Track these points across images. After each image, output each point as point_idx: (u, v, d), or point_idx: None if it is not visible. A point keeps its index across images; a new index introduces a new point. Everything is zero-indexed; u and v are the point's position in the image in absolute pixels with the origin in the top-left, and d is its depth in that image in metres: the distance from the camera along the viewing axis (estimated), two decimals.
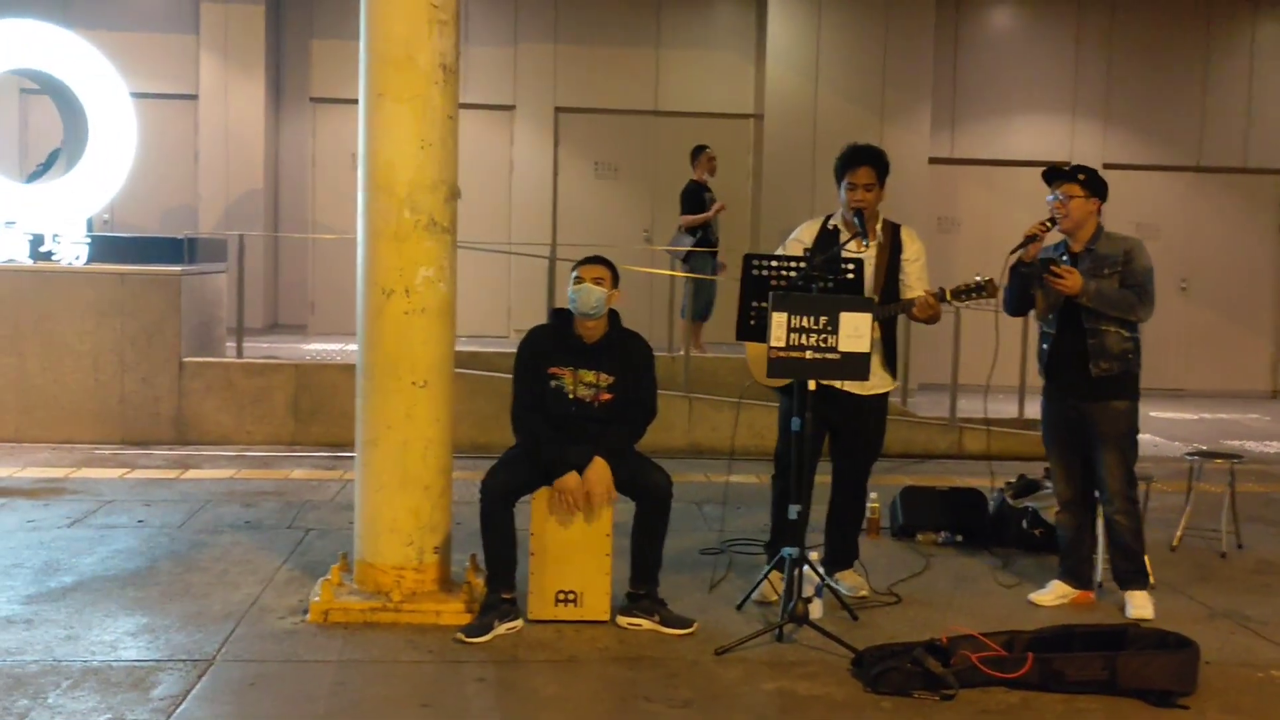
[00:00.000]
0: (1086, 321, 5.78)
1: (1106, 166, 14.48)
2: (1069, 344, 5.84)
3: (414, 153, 5.47)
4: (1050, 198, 5.87)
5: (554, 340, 5.51)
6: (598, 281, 5.41)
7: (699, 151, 11.71)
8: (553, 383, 5.44)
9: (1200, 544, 7.29)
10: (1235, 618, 5.91)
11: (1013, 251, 5.83)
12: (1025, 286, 5.92)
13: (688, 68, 14.19)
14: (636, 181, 14.38)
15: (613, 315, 5.56)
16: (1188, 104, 15.00)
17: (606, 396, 5.46)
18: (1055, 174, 5.89)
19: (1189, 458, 7.69)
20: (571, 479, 5.35)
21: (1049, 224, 5.82)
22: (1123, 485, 5.86)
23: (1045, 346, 5.96)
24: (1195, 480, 7.50)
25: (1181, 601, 6.12)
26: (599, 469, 5.36)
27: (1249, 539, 7.43)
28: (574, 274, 5.46)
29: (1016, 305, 6.03)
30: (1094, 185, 5.84)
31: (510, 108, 14.23)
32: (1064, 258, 5.86)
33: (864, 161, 5.83)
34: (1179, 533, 7.30)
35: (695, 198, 11.44)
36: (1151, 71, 14.91)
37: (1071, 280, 5.70)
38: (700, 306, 11.47)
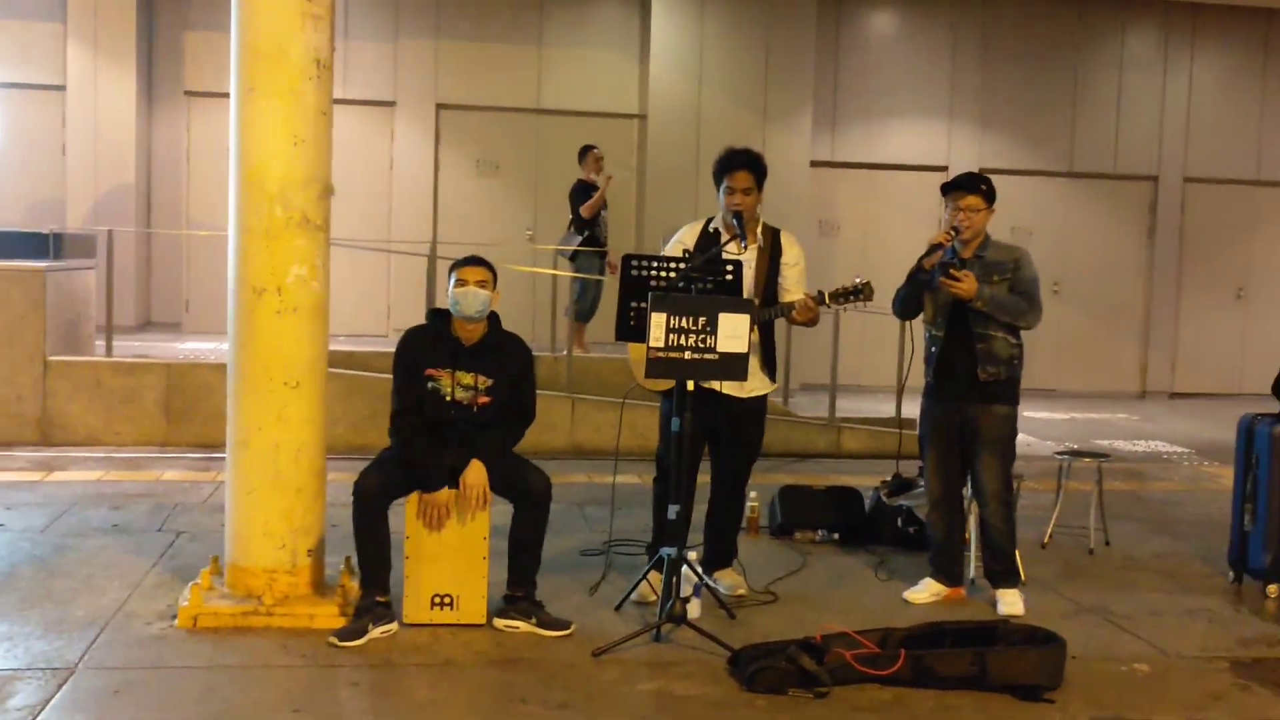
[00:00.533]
0: (975, 327, 5.88)
1: (982, 171, 14.78)
2: (957, 348, 5.93)
3: (286, 149, 5.36)
4: (949, 208, 5.95)
5: (432, 341, 5.44)
6: (481, 284, 5.35)
7: (586, 151, 11.69)
8: (430, 384, 5.37)
9: (1069, 541, 7.46)
10: (1101, 613, 6.05)
11: (923, 260, 5.89)
12: (920, 291, 6.00)
13: (571, 66, 14.16)
14: (519, 180, 14.31)
15: (493, 317, 5.51)
16: (1060, 111, 15.38)
17: (485, 399, 5.40)
18: (959, 185, 5.97)
19: (1059, 457, 7.87)
20: (441, 494, 5.29)
21: (954, 232, 5.90)
22: (1000, 488, 5.97)
23: (934, 349, 6.04)
24: (1065, 479, 7.67)
25: (1050, 597, 6.25)
26: (475, 472, 5.31)
27: (1116, 536, 7.62)
28: (454, 275, 5.39)
29: (906, 309, 6.11)
30: (991, 195, 5.95)
31: (390, 104, 14.06)
32: (955, 263, 5.95)
33: (741, 166, 5.86)
34: (1049, 530, 7.46)
35: (584, 197, 11.42)
36: (1025, 79, 15.26)
37: (968, 284, 5.79)
38: (585, 307, 11.45)
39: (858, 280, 5.85)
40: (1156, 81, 15.54)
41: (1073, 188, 15.57)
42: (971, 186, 5.91)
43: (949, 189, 5.97)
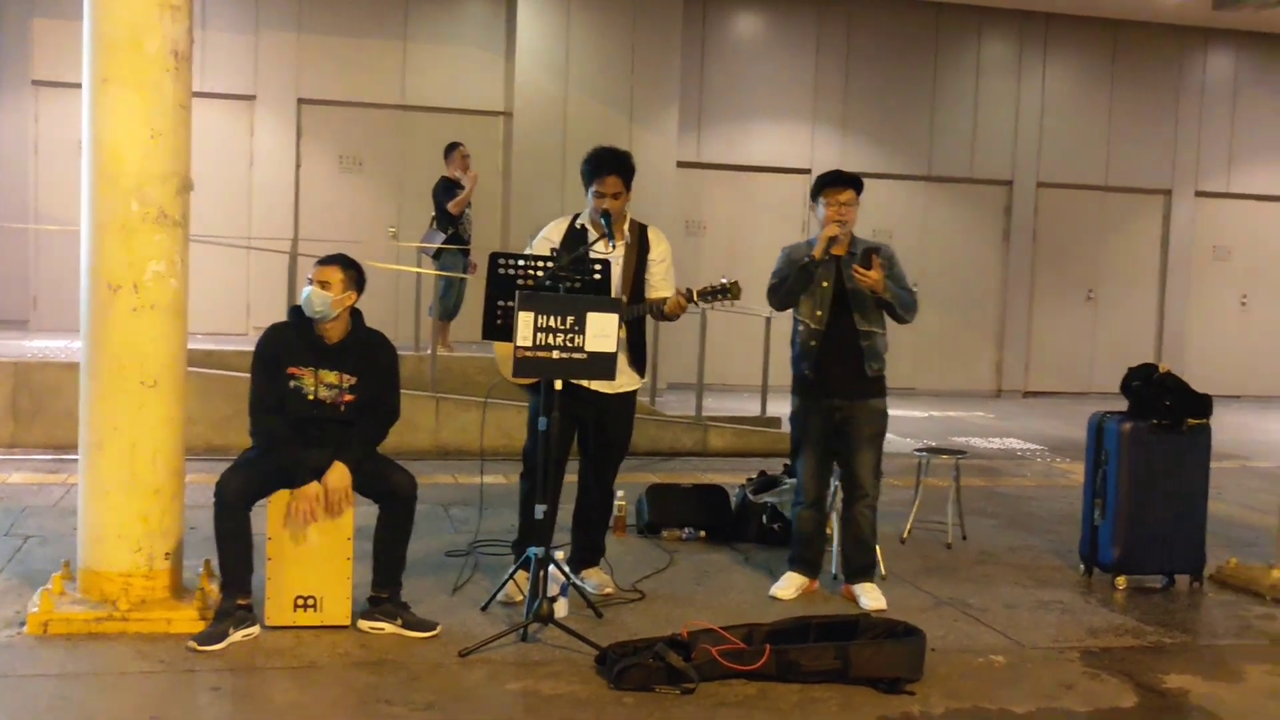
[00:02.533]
0: (860, 323, 5.97)
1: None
2: (839, 344, 6.00)
3: (143, 142, 5.22)
4: (823, 204, 6.00)
5: (293, 339, 5.34)
6: (324, 285, 5.26)
7: (453, 148, 11.58)
8: (292, 383, 5.28)
9: (928, 536, 7.63)
10: (959, 606, 6.20)
11: (821, 255, 5.93)
12: (809, 284, 6.02)
13: (436, 62, 14.01)
14: (383, 177, 14.12)
15: (355, 315, 5.43)
16: (919, 115, 15.71)
17: (348, 398, 5.33)
18: (838, 180, 6.03)
19: (918, 454, 8.04)
20: (311, 488, 5.21)
21: (840, 224, 5.97)
22: (874, 480, 6.09)
23: (813, 344, 6.05)
24: (923, 475, 7.83)
25: (910, 591, 6.39)
26: (339, 472, 5.23)
27: (972, 531, 7.82)
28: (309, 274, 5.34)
29: (787, 301, 6.10)
30: (860, 190, 6.06)
31: (251, 98, 13.76)
32: (828, 259, 6.02)
33: (611, 170, 5.85)
34: (908, 526, 7.62)
35: (448, 194, 11.31)
36: (886, 83, 15.55)
37: (879, 274, 5.87)
38: (449, 305, 11.35)
39: (725, 280, 5.91)
40: (1011, 88, 15.97)
41: (931, 191, 15.92)
42: (850, 181, 6.02)
43: (826, 185, 6.04)
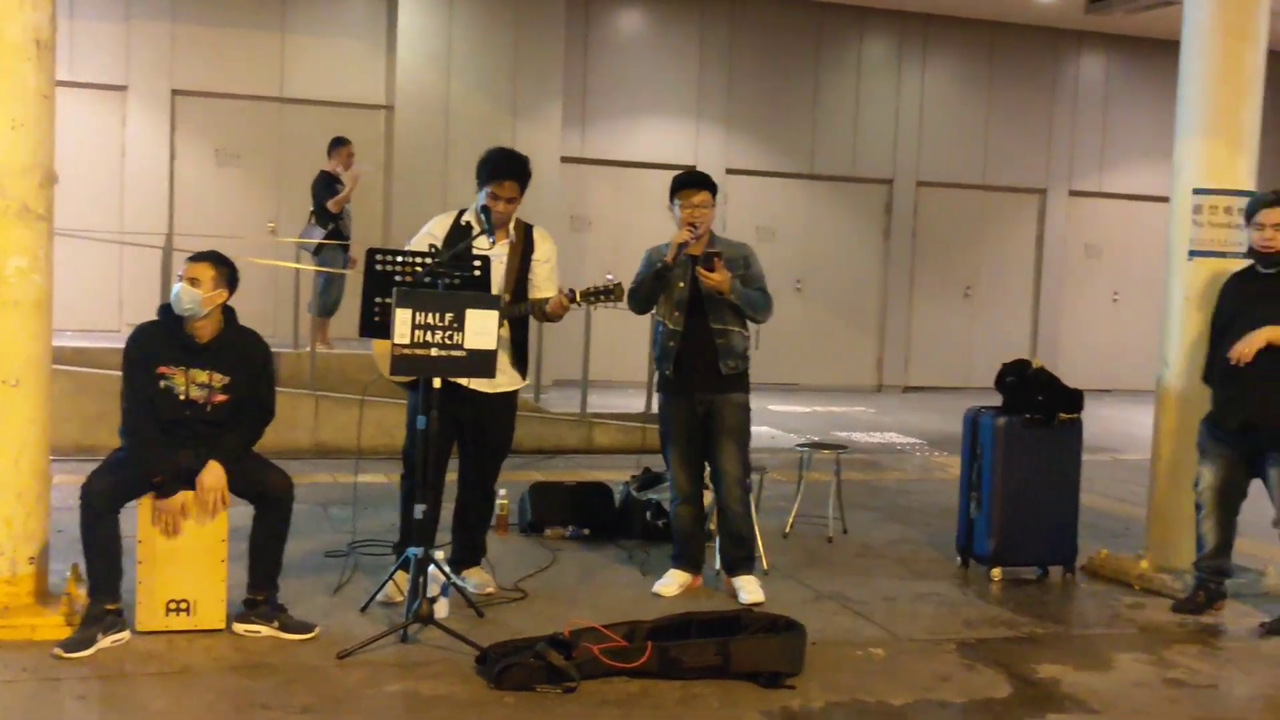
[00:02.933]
0: (714, 322, 5.99)
1: (729, 171, 15.16)
2: (696, 343, 6.03)
3: (3, 133, 5.05)
4: (678, 205, 6.03)
5: (164, 338, 5.21)
6: (194, 282, 5.14)
7: (340, 144, 11.40)
8: (163, 383, 5.14)
9: (809, 530, 7.71)
10: (839, 599, 6.27)
11: (673, 258, 5.96)
12: (663, 287, 6.07)
13: (316, 55, 13.78)
14: (261, 171, 13.84)
15: (228, 312, 5.32)
16: (801, 114, 15.86)
17: (221, 398, 5.21)
18: (693, 182, 6.06)
19: (799, 449, 8.11)
20: (175, 499, 5.09)
21: (692, 229, 5.99)
22: (740, 474, 6.11)
23: (672, 344, 6.11)
24: (805, 470, 7.91)
25: (791, 585, 6.44)
26: (212, 473, 5.12)
27: (853, 524, 7.91)
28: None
29: (645, 305, 6.18)
30: (716, 191, 6.10)
31: (122, 88, 13.39)
32: (685, 261, 6.06)
33: (511, 175, 5.82)
34: (790, 520, 7.68)
35: (328, 190, 11.13)
36: (769, 82, 15.68)
37: (723, 276, 5.90)
38: (329, 302, 11.17)
39: (610, 278, 5.91)
40: (891, 88, 16.21)
41: (814, 189, 16.09)
42: (705, 183, 6.05)
43: (680, 187, 6.07)
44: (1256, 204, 6.08)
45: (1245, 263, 6.30)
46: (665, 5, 15.24)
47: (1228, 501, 6.23)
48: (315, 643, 5.19)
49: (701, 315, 6.01)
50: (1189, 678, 5.33)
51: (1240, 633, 6.02)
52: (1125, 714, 4.89)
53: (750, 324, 6.12)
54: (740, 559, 6.19)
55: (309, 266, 10.95)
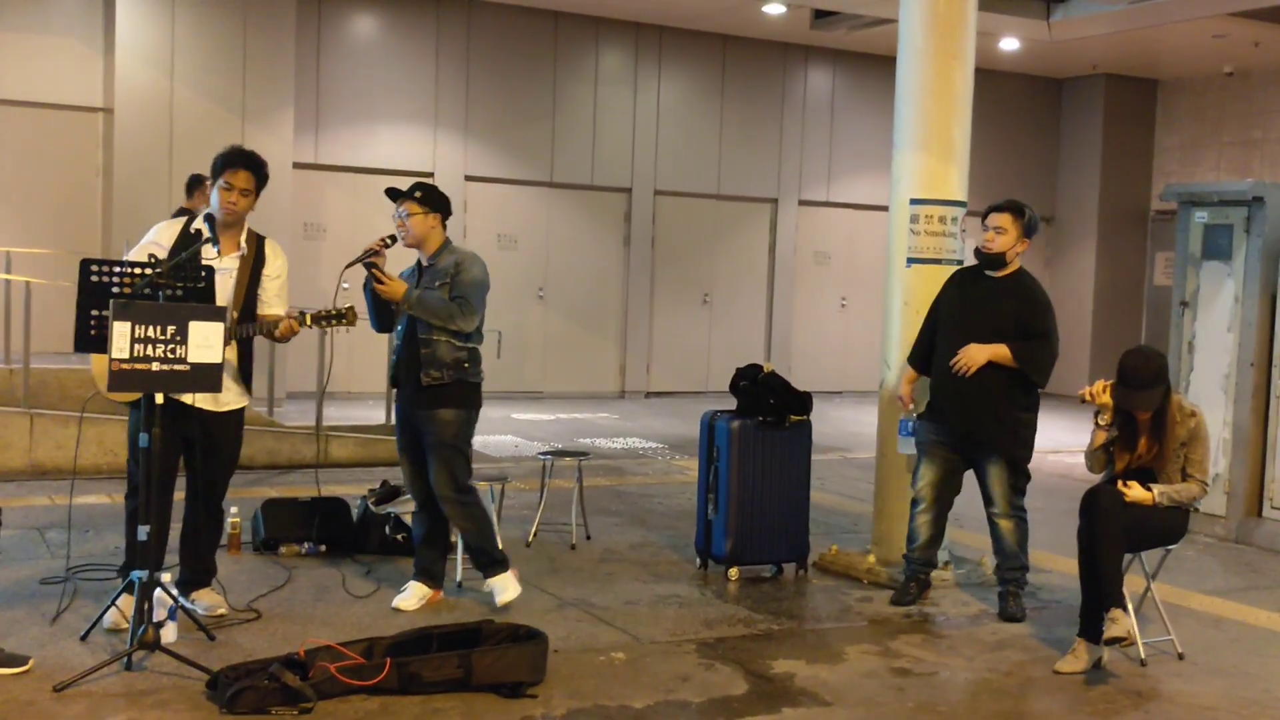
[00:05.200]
0: (420, 332, 5.94)
1: (468, 179, 15.08)
2: (408, 353, 5.99)
3: None
4: (395, 214, 6.02)
5: None
6: None
7: (199, 182, 10.94)
8: None
9: (553, 538, 7.72)
10: (582, 606, 6.30)
11: (348, 265, 5.92)
12: (376, 300, 6.01)
13: (25, 53, 12.94)
14: None
15: None
16: (541, 122, 15.88)
17: None
18: (396, 192, 6.07)
19: (542, 457, 8.12)
20: None
21: (389, 240, 5.98)
22: (449, 490, 6.01)
23: (395, 357, 6.11)
24: (548, 478, 7.92)
25: (534, 594, 6.43)
26: None
27: (596, 530, 7.97)
28: None
29: (378, 320, 6.13)
30: (432, 201, 6.05)
31: None
32: (413, 272, 6.04)
33: (244, 165, 5.67)
34: (534, 529, 7.68)
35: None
36: (508, 89, 15.64)
37: (391, 286, 5.85)
38: None
39: (340, 306, 5.80)
40: (628, 98, 16.41)
41: (554, 197, 16.14)
42: (408, 192, 6.05)
43: (392, 195, 6.09)
44: (988, 209, 6.48)
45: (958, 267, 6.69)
46: (400, 9, 15.03)
47: (944, 497, 6.57)
48: (29, 676, 4.89)
49: (413, 324, 5.98)
50: (914, 666, 5.58)
51: (961, 621, 6.34)
52: (855, 704, 5.08)
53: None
54: (483, 564, 6.15)
55: (20, 277, 10.29)
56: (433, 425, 5.96)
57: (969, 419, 6.33)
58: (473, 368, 6.04)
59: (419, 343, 5.93)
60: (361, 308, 5.96)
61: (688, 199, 16.90)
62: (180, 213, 10.92)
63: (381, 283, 5.86)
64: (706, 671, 5.38)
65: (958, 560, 7.23)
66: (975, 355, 6.23)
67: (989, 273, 6.44)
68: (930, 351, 6.58)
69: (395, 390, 6.18)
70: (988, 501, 6.41)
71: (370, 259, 5.91)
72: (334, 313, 5.74)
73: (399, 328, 6.03)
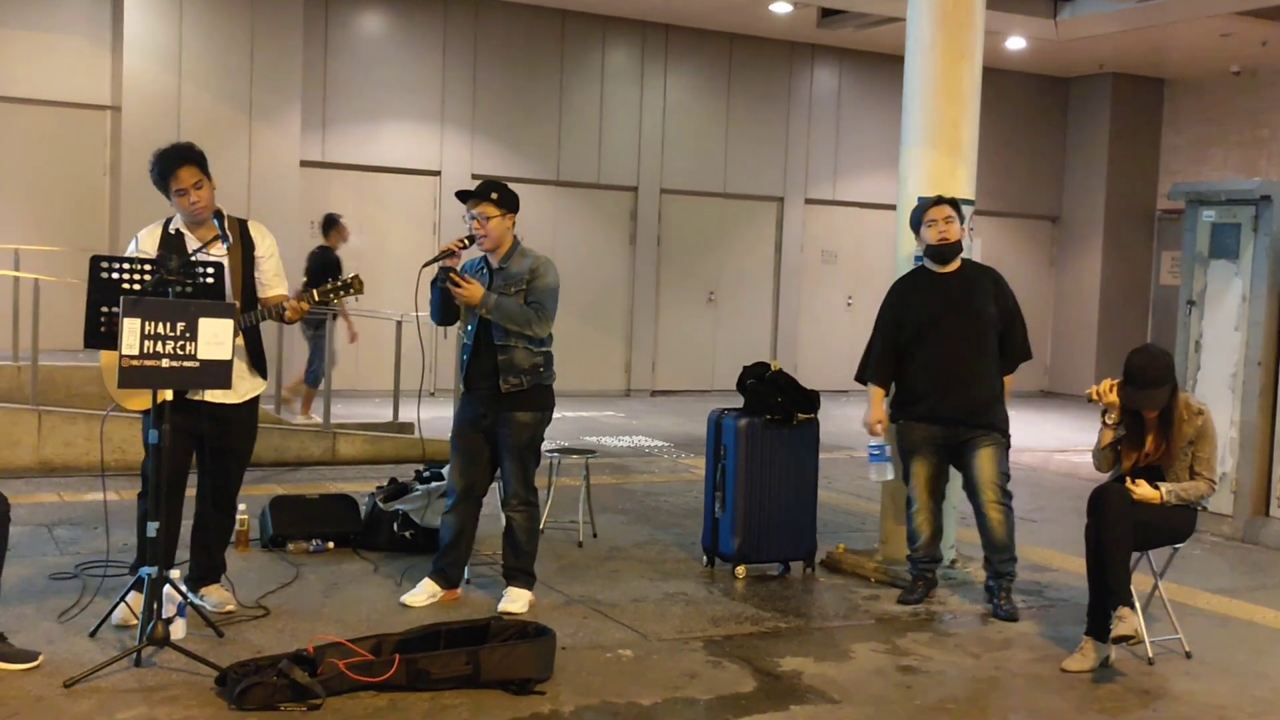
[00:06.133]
0: (496, 338, 5.94)
1: (474, 177, 15.05)
2: (483, 357, 5.99)
3: None
4: (467, 216, 5.97)
5: None
6: None
7: (334, 222, 11.60)
8: None
9: (561, 535, 7.73)
10: (589, 603, 6.30)
11: (425, 264, 5.88)
12: (445, 298, 5.99)
13: (32, 51, 12.97)
14: None
15: None
16: (547, 120, 15.89)
17: None
18: (469, 194, 5.99)
19: (549, 455, 8.11)
20: None
21: (466, 241, 5.95)
22: (522, 490, 6.08)
23: (465, 358, 6.09)
24: (555, 476, 7.93)
25: (543, 591, 6.42)
26: None
27: (603, 528, 7.98)
28: None
29: (441, 315, 6.11)
30: (508, 202, 6.00)
31: None
32: (484, 272, 6.00)
33: (180, 163, 5.55)
34: (541, 526, 7.66)
35: (326, 266, 11.06)
36: (514, 87, 15.64)
37: (470, 291, 5.83)
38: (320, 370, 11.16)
39: (346, 274, 5.80)
40: (634, 96, 16.41)
41: (560, 195, 16.14)
42: (483, 194, 5.98)
43: (463, 197, 6.03)
44: (923, 207, 6.51)
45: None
46: (407, 7, 15.04)
47: (936, 493, 6.59)
48: (39, 671, 4.90)
49: (488, 328, 5.96)
50: (922, 664, 5.58)
51: (968, 619, 6.34)
52: (863, 702, 5.08)
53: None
54: (514, 569, 6.16)
55: (28, 275, 10.30)
56: (511, 428, 5.99)
57: (965, 407, 6.35)
58: (547, 371, 6.08)
59: (496, 349, 5.93)
60: (368, 276, 5.91)
61: (694, 197, 16.90)
62: (321, 250, 11.32)
63: (458, 285, 5.83)
64: (714, 669, 5.38)
65: (964, 558, 7.23)
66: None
67: (936, 269, 6.48)
68: (894, 361, 6.62)
69: (464, 392, 6.15)
70: (977, 492, 6.37)
71: (445, 260, 5.89)
72: (341, 284, 5.72)
73: (469, 328, 6.02)
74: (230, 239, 5.64)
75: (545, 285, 6.03)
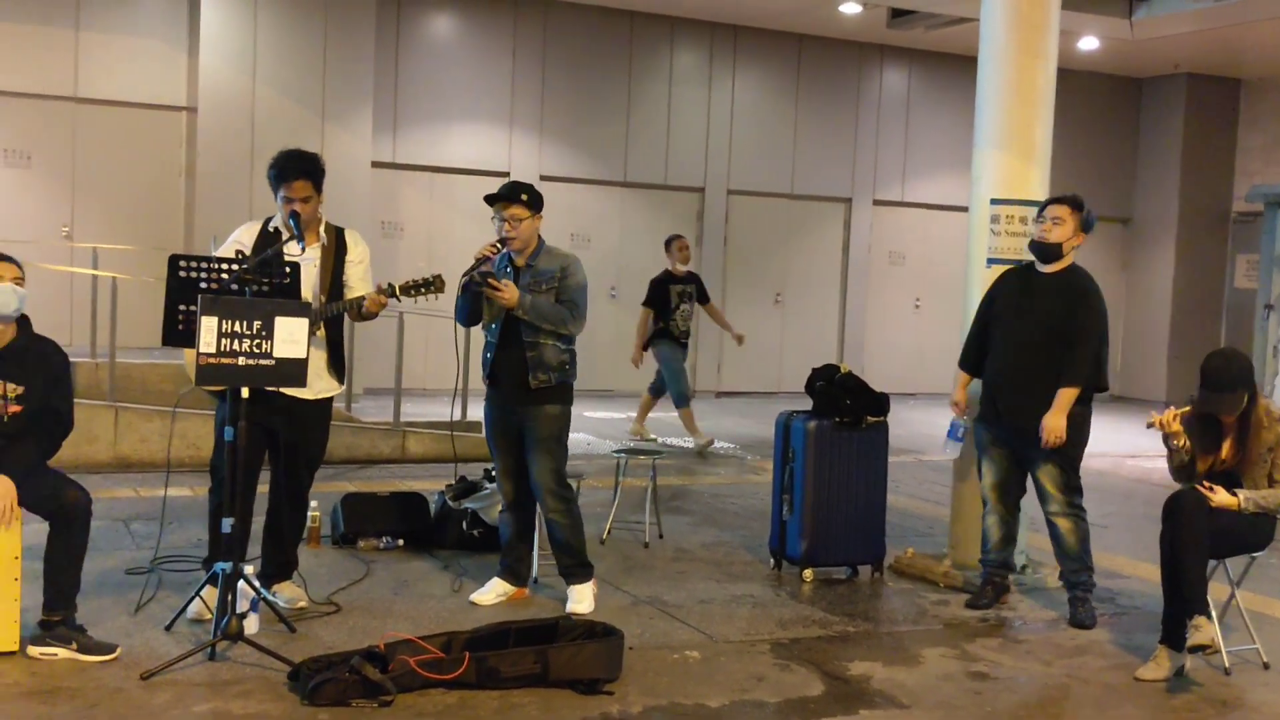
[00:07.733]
0: (525, 335, 5.96)
1: (542, 179, 15.12)
2: (510, 355, 6.01)
3: None
4: (496, 219, 6.00)
5: None
6: (18, 281, 4.94)
7: (674, 240, 11.96)
8: None
9: (627, 536, 7.75)
10: (656, 604, 6.31)
11: (466, 274, 5.93)
12: (475, 301, 6.04)
13: (113, 53, 13.24)
14: (54, 173, 13.20)
15: (23, 320, 5.08)
16: (615, 121, 15.93)
17: (15, 409, 4.98)
18: (499, 197, 6.02)
19: (616, 455, 8.15)
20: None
21: (499, 245, 5.98)
22: (553, 484, 6.08)
23: (489, 355, 6.10)
24: (622, 476, 7.95)
25: (609, 591, 6.45)
26: (3, 487, 4.88)
27: (669, 529, 7.98)
28: None
29: (468, 317, 6.15)
30: (536, 203, 6.04)
31: None
32: (509, 270, 6.04)
33: (298, 174, 5.70)
34: (608, 526, 7.71)
35: (665, 290, 11.76)
36: (583, 89, 15.70)
37: (508, 294, 5.87)
38: (683, 388, 11.75)
39: (428, 274, 5.87)
40: (702, 97, 16.41)
41: (627, 196, 16.17)
42: (513, 196, 6.00)
43: (492, 200, 6.05)
44: (1046, 201, 6.43)
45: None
46: (478, 10, 15.14)
47: (1007, 498, 6.51)
48: (117, 664, 5.00)
49: (516, 327, 5.99)
50: (991, 670, 5.54)
51: (1038, 626, 6.28)
52: (932, 707, 5.04)
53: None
54: (568, 567, 6.17)
55: (107, 273, 10.48)
56: (537, 421, 6.01)
57: (1023, 414, 6.25)
58: (572, 368, 6.10)
59: (524, 346, 5.96)
60: (449, 275, 5.99)
61: (761, 198, 16.86)
62: (665, 277, 11.81)
63: (497, 289, 5.86)
64: (782, 672, 5.37)
65: (1036, 564, 7.15)
66: (1055, 424, 6.09)
67: (1041, 268, 6.38)
68: (983, 352, 6.53)
69: (490, 390, 6.19)
70: (1044, 500, 6.32)
71: (482, 266, 5.93)
72: (422, 281, 5.81)
73: (493, 326, 6.06)
74: (325, 241, 5.77)
75: (576, 284, 6.07)
